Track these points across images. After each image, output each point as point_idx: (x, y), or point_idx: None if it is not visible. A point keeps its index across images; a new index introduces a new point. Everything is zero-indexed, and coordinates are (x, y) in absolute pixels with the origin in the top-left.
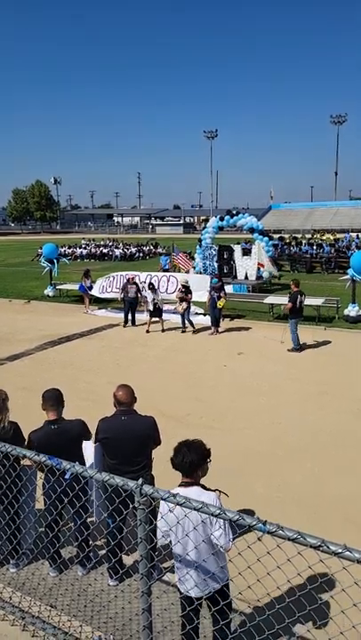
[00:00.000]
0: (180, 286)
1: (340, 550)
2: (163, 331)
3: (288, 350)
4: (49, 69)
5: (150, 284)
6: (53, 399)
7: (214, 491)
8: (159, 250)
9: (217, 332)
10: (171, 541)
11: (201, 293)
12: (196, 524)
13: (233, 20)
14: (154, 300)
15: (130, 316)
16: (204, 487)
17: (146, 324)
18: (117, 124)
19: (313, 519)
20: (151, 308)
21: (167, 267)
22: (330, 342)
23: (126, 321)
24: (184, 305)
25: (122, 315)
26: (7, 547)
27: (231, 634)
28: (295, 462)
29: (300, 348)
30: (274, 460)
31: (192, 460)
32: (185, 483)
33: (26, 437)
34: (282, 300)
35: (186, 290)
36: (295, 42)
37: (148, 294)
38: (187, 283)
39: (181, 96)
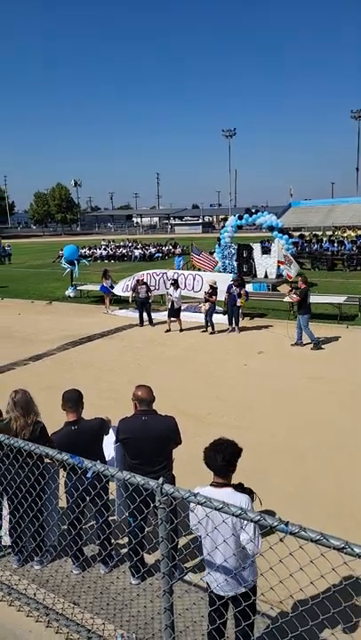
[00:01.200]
0: (207, 287)
1: None
2: (181, 330)
3: (311, 348)
4: (65, 71)
5: (174, 280)
6: (73, 400)
7: (249, 492)
8: (178, 250)
9: (235, 330)
10: (200, 536)
11: (223, 292)
12: (223, 523)
13: (251, 17)
14: (170, 297)
15: (145, 316)
16: (237, 488)
17: (165, 322)
18: (136, 125)
19: (336, 519)
20: (169, 305)
21: (180, 268)
22: (352, 341)
23: (141, 321)
24: (207, 305)
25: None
26: (31, 544)
27: (253, 636)
28: (318, 461)
29: (317, 343)
30: (296, 459)
31: (228, 460)
32: (217, 483)
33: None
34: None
35: (212, 291)
36: (314, 37)
37: (171, 290)
38: (215, 284)
39: (199, 95)
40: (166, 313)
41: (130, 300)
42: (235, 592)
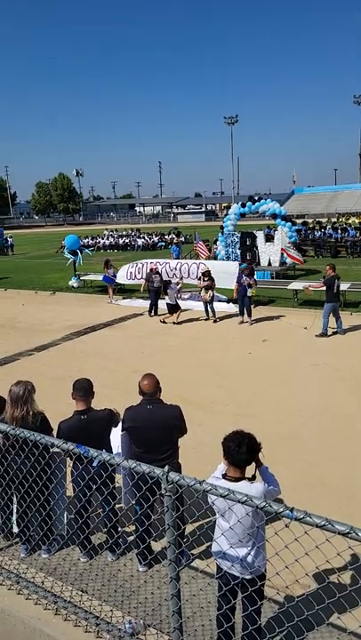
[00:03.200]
0: (201, 275)
1: None
2: (178, 323)
3: (316, 335)
4: (64, 60)
5: (167, 281)
6: (83, 390)
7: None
8: (181, 239)
9: (249, 322)
10: (216, 513)
11: (229, 280)
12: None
13: (251, 2)
14: (171, 295)
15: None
16: (249, 478)
17: (165, 314)
18: (137, 114)
19: (342, 505)
20: (168, 301)
21: (178, 256)
22: (356, 327)
23: (151, 310)
24: (210, 293)
25: (146, 304)
26: (39, 533)
27: (260, 621)
28: (323, 448)
29: (325, 333)
30: (301, 446)
31: (251, 451)
32: (232, 478)
33: (54, 427)
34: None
35: (209, 278)
36: (316, 21)
37: (168, 290)
38: (207, 270)
39: (201, 82)
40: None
41: (142, 289)
42: (246, 575)
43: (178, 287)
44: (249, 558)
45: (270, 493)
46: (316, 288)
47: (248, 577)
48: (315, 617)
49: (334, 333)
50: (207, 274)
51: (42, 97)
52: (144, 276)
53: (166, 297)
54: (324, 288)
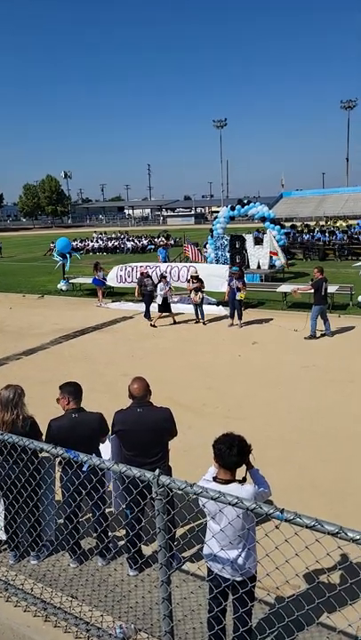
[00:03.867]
0: (190, 278)
1: (358, 537)
2: (175, 323)
3: (305, 338)
4: (55, 62)
5: (162, 275)
6: (74, 393)
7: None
8: (170, 241)
9: (239, 324)
10: (208, 514)
11: (219, 283)
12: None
13: (239, 4)
14: (163, 290)
15: (144, 308)
16: (239, 480)
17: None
18: (126, 117)
19: (333, 507)
20: (160, 301)
21: (165, 259)
22: (344, 329)
23: (148, 313)
24: (200, 295)
25: (135, 307)
26: (28, 539)
27: (251, 622)
28: (313, 450)
29: (314, 335)
30: (292, 448)
31: (241, 453)
32: (223, 480)
33: (43, 431)
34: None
35: (198, 280)
36: (304, 25)
37: (160, 285)
38: (196, 272)
39: (189, 86)
40: (157, 301)
41: (136, 294)
42: (237, 577)
43: (167, 289)
44: (240, 560)
45: (261, 495)
46: (304, 291)
47: (239, 579)
48: (305, 617)
49: (323, 335)
50: (196, 276)
51: (30, 98)
52: (134, 279)
53: (157, 294)
54: (313, 291)
